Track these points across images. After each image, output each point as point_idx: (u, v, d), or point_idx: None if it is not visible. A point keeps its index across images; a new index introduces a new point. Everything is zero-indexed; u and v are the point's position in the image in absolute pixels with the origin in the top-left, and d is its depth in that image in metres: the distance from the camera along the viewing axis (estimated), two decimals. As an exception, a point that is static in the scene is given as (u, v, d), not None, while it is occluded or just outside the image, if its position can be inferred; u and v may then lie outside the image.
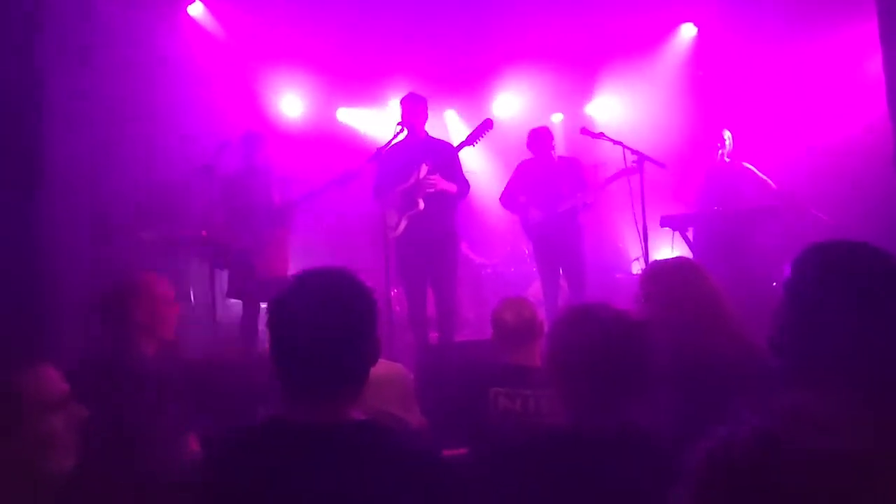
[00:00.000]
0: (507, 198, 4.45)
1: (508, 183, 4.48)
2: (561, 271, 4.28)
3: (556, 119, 6.44)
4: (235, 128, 4.52)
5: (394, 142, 3.83)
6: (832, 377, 0.99)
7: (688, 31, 5.74)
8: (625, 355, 1.27)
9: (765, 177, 4.36)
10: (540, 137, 4.36)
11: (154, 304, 2.15)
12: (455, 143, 3.87)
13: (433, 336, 4.02)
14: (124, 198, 4.11)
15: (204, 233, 4.35)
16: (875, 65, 3.34)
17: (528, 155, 4.47)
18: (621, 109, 6.17)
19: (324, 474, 1.07)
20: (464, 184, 3.88)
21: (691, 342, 1.76)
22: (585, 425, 1.28)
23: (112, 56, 3.99)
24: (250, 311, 3.92)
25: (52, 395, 1.29)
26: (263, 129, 4.71)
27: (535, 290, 5.08)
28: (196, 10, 5.14)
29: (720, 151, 4.35)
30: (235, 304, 4.09)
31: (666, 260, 2.06)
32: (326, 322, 1.13)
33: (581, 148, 4.93)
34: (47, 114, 3.21)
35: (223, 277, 4.01)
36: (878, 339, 0.98)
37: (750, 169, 4.39)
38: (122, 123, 4.11)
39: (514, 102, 6.34)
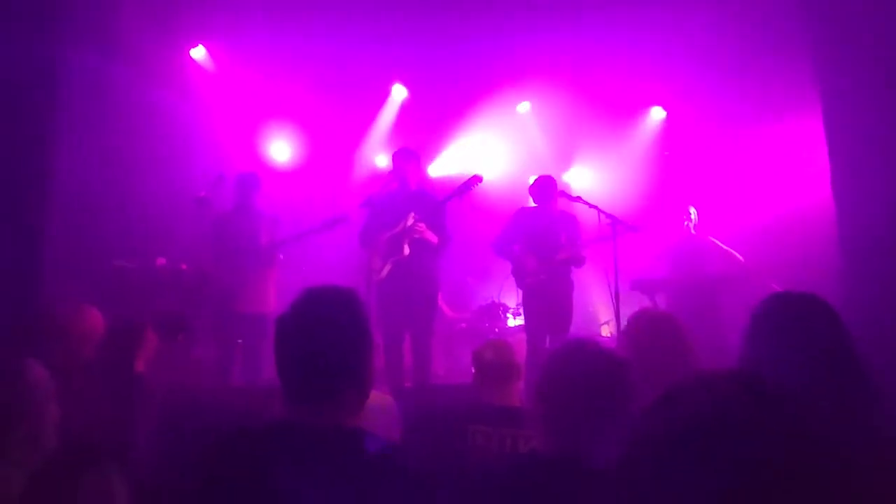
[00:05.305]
0: (500, 244, 4.29)
1: (503, 229, 4.32)
2: (547, 324, 4.09)
3: (532, 180, 6.76)
4: (230, 164, 4.64)
5: (384, 191, 4.01)
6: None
7: (657, 114, 6.25)
8: (609, 388, 1.34)
9: (731, 249, 4.67)
10: (545, 186, 4.27)
11: (68, 341, 1.87)
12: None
13: (407, 386, 4.03)
14: (118, 226, 4.15)
15: (184, 266, 4.35)
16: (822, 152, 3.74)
17: (506, 208, 4.52)
18: (595, 179, 6.56)
19: (319, 473, 1.14)
20: (446, 236, 3.98)
21: (658, 385, 1.88)
22: (567, 453, 1.33)
23: (119, 95, 4.15)
24: (226, 347, 3.91)
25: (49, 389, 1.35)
26: (257, 170, 4.84)
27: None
28: (198, 54, 5.38)
29: (687, 224, 4.69)
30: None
31: (654, 310, 2.20)
32: (322, 331, 1.26)
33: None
34: (56, 145, 3.33)
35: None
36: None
37: (715, 242, 4.71)
38: (127, 158, 4.22)
39: (495, 164, 6.66)
